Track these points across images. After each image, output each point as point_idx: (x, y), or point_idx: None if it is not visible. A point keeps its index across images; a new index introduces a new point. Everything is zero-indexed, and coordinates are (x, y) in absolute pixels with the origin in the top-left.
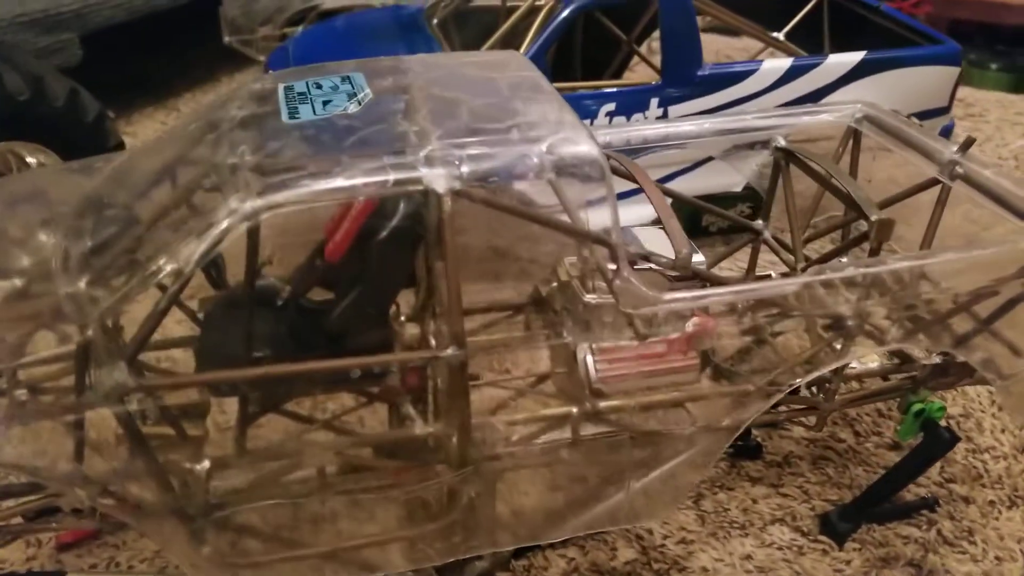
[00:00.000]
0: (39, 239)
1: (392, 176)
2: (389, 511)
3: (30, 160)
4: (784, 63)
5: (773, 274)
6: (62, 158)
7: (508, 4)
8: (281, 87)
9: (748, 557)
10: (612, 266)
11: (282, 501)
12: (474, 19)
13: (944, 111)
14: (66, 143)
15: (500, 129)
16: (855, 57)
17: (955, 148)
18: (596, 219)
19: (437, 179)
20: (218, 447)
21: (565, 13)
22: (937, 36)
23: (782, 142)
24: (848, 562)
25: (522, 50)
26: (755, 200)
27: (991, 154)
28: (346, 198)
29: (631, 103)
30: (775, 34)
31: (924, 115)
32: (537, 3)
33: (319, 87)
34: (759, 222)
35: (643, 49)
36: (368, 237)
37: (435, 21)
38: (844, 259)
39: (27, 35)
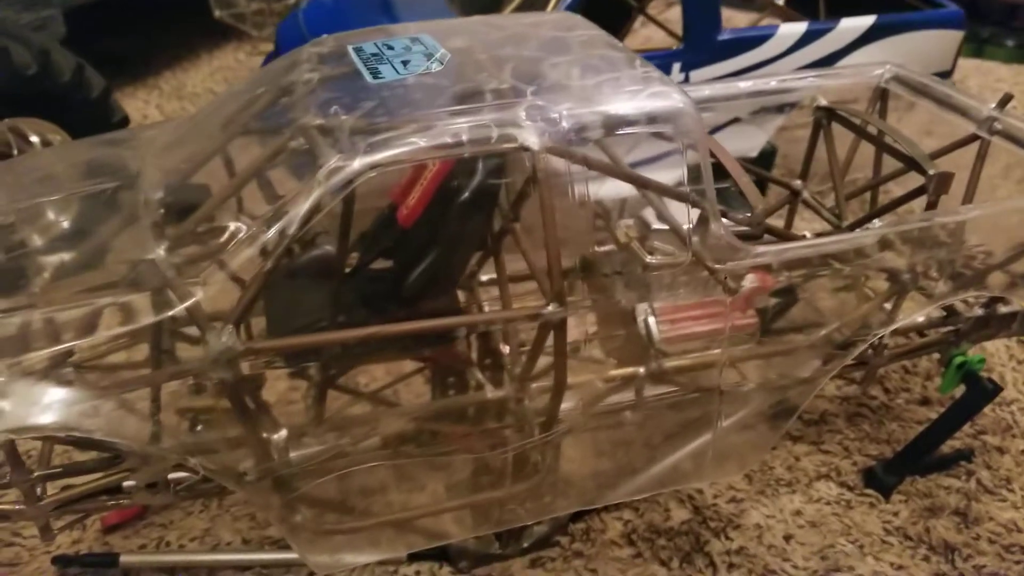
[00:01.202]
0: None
1: (496, 132)
2: (459, 477)
3: (34, 139)
4: (800, 27)
5: (808, 234)
6: (68, 134)
7: None
8: (350, 48)
9: (798, 513)
10: (701, 223)
11: (375, 464)
12: None
13: (948, 75)
14: (71, 119)
15: (589, 86)
16: (866, 21)
17: (993, 105)
18: (668, 175)
19: (537, 136)
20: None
21: None
22: (942, 1)
23: (823, 102)
24: (896, 513)
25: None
26: (766, 164)
27: None
28: (448, 156)
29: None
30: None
31: None
32: None
33: (391, 48)
34: (798, 182)
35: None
36: (442, 201)
37: None
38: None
39: (9, 11)
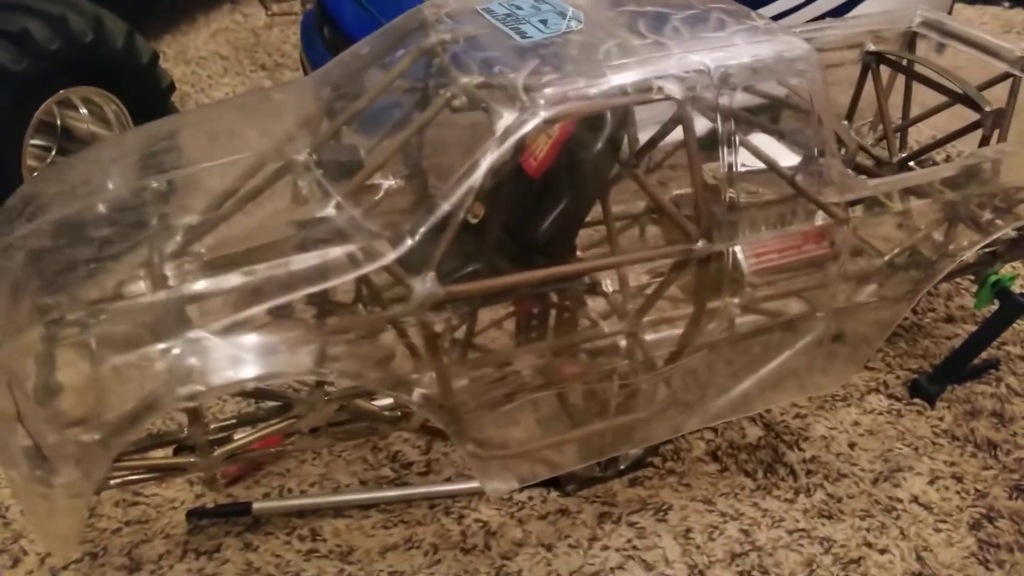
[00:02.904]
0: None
1: (656, 83)
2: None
3: (82, 111)
4: None
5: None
6: (119, 101)
7: None
8: (479, 9)
9: (856, 423)
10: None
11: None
12: None
13: (948, 13)
14: (123, 85)
15: (725, 37)
16: None
17: None
18: None
19: (688, 87)
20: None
21: None
22: None
23: (872, 47)
24: (941, 418)
25: None
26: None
27: None
28: (616, 105)
29: None
30: None
31: None
32: None
33: (519, 8)
34: (845, 122)
35: None
36: (570, 153)
37: None
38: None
39: None
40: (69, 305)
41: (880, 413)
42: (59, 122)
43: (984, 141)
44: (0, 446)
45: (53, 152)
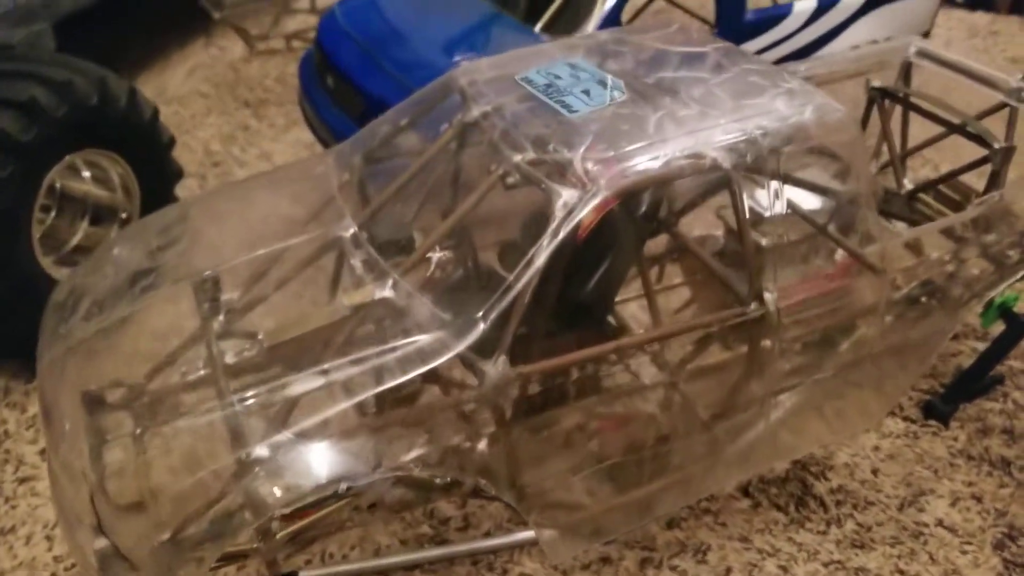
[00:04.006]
0: None
1: (710, 156)
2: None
3: (85, 173)
4: (810, 4)
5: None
6: (124, 160)
7: None
8: (519, 80)
9: (876, 448)
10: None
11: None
12: None
13: (927, 34)
14: (126, 144)
15: (765, 103)
16: None
17: (1020, 76)
18: None
19: (739, 156)
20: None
21: None
22: None
23: (877, 82)
24: (955, 438)
25: (594, 13)
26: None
27: None
28: (670, 179)
29: None
30: None
31: None
32: None
33: (558, 77)
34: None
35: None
36: (612, 215)
37: None
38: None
39: (1, 31)
40: (147, 414)
41: (898, 436)
42: (58, 184)
43: (993, 177)
44: (78, 551)
45: (52, 214)
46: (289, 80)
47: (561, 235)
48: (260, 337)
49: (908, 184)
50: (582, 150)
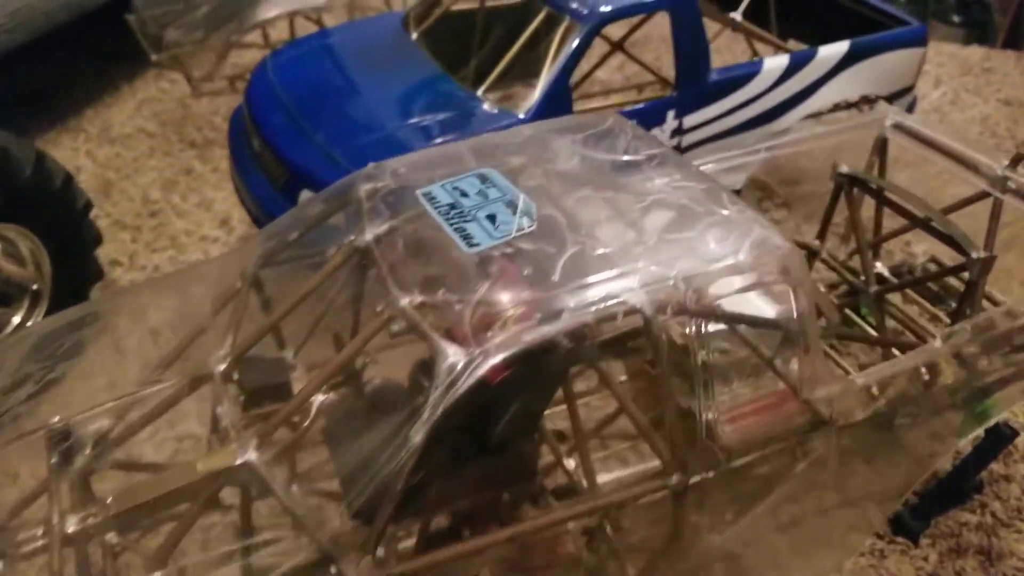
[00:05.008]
0: None
1: (621, 312)
2: None
3: None
4: (782, 61)
5: (820, 287)
6: (34, 234)
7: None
8: (419, 195)
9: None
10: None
11: None
12: (455, 23)
13: (910, 89)
14: (35, 216)
15: (694, 239)
16: (842, 47)
17: (1006, 163)
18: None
19: (657, 306)
20: None
21: (585, 31)
22: (897, 15)
23: (845, 168)
24: (926, 558)
25: (540, 79)
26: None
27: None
28: (579, 336)
29: (649, 119)
30: (732, 14)
31: (896, 95)
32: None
33: (464, 195)
34: (816, 242)
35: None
36: (526, 359)
37: (414, 36)
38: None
39: None
40: None
41: (863, 554)
42: None
43: (970, 287)
44: None
45: None
46: None
47: (440, 408)
48: (108, 501)
49: (882, 268)
50: (475, 299)
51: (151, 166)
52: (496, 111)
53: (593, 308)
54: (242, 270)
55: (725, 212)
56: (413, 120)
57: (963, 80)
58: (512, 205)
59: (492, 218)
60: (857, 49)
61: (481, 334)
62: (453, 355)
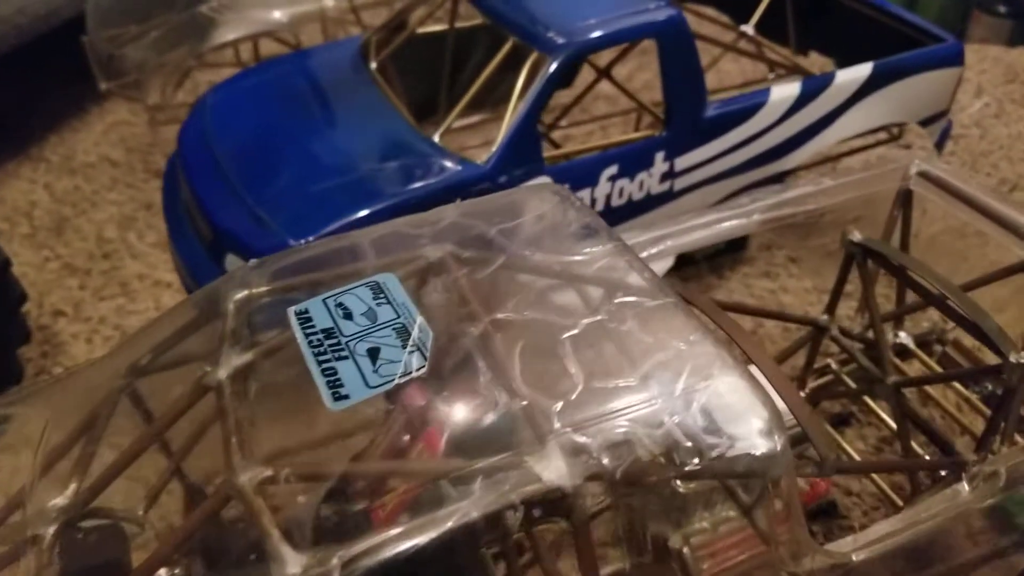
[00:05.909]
0: None
1: (516, 496)
2: None
3: None
4: (793, 89)
5: (832, 363)
6: None
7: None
8: (291, 314)
9: None
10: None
11: None
12: (420, 50)
13: (945, 113)
14: None
15: (633, 390)
16: (863, 71)
17: None
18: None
19: (577, 481)
20: None
21: (554, 67)
22: (929, 29)
23: (857, 236)
24: None
25: (508, 114)
26: (737, 247)
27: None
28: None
29: (634, 162)
30: (743, 27)
31: (928, 120)
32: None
33: (348, 316)
34: (824, 317)
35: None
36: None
37: (373, 66)
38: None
39: None
40: None
41: None
42: None
43: (1007, 396)
44: None
45: None
46: None
47: None
48: None
49: (906, 338)
50: (331, 482)
51: (110, 200)
52: (452, 163)
53: (491, 498)
54: (108, 390)
55: (682, 345)
56: (357, 175)
57: (1008, 88)
58: (404, 334)
59: (373, 354)
60: (881, 72)
61: (332, 535)
62: (292, 563)
